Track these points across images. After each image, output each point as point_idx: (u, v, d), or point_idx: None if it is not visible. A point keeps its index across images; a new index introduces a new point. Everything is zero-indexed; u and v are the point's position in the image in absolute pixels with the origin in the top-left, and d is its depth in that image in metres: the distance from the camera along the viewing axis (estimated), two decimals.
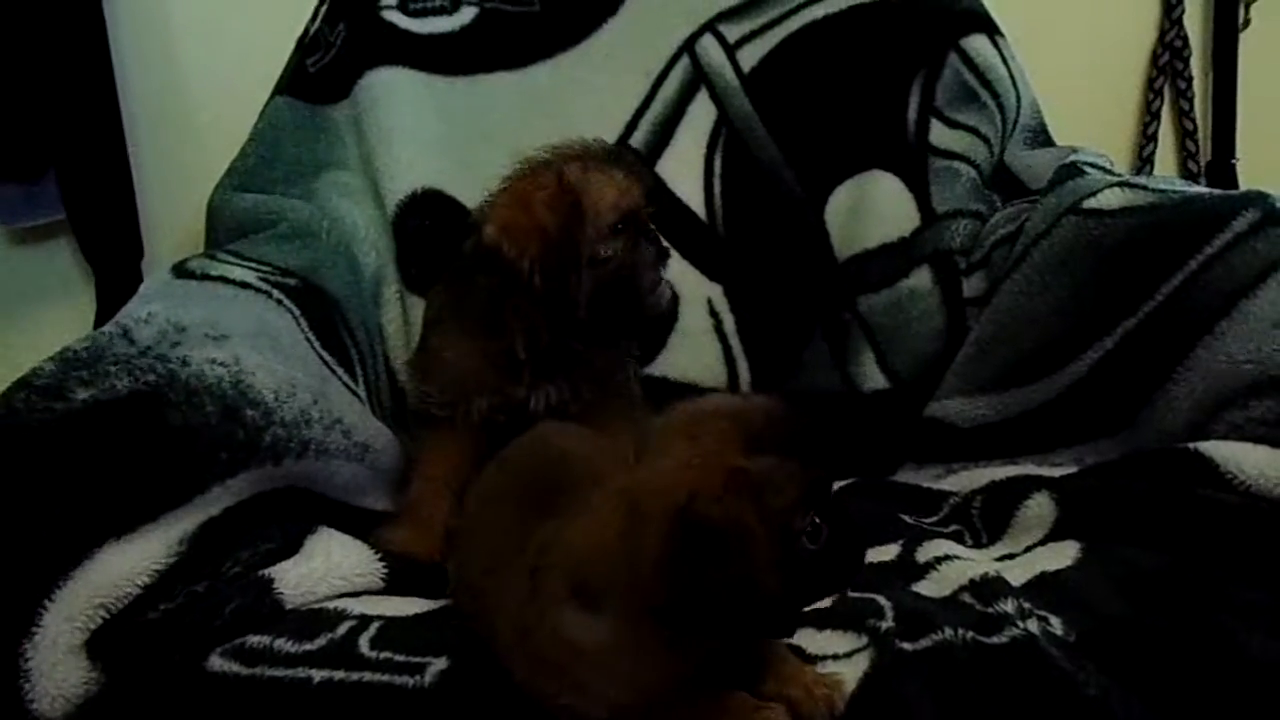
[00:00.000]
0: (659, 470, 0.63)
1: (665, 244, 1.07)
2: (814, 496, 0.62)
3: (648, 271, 1.05)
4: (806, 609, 0.68)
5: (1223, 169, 1.71)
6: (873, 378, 1.26)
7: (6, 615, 0.70)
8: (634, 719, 0.64)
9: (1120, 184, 1.08)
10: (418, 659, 0.71)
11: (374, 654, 0.72)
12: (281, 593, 0.79)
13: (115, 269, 1.41)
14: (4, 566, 0.71)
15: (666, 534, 0.59)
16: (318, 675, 0.69)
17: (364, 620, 0.77)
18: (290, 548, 0.83)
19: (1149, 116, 1.70)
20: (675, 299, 1.07)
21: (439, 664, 0.71)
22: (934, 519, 1.05)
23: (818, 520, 0.62)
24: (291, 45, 1.31)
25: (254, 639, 0.73)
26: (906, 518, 1.04)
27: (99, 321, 1.36)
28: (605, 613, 0.64)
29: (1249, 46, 1.70)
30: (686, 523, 0.59)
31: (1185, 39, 1.68)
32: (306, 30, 1.31)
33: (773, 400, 0.66)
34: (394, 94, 1.27)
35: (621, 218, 1.02)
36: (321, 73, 1.28)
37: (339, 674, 0.70)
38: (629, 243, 1.03)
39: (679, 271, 1.29)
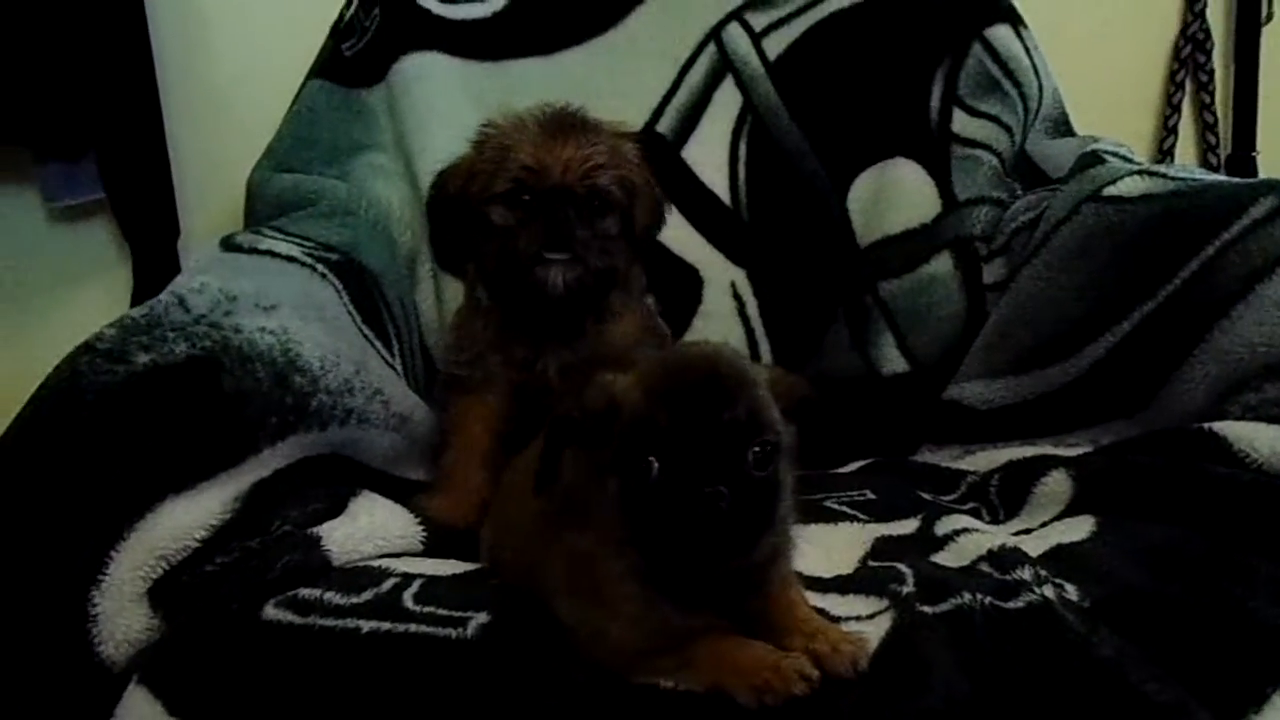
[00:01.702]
0: None
1: (576, 234, 1.02)
2: (652, 438, 0.64)
3: (528, 245, 1.02)
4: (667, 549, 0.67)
5: (1243, 162, 1.72)
6: (892, 361, 1.28)
7: (77, 563, 0.74)
8: (662, 661, 0.68)
9: (1140, 172, 1.10)
10: (460, 613, 0.75)
11: (418, 608, 0.76)
12: (329, 550, 0.82)
13: (152, 247, 1.44)
14: (73, 518, 0.74)
15: None
16: (366, 626, 0.73)
17: (407, 577, 0.80)
18: (335, 509, 0.87)
19: (1170, 109, 1.71)
20: (567, 287, 1.02)
21: (480, 618, 0.74)
22: (952, 496, 1.08)
23: (649, 460, 0.64)
24: (324, 29, 1.34)
25: (305, 591, 0.76)
26: (925, 495, 1.07)
27: (136, 299, 1.40)
28: (592, 524, 0.70)
29: (1271, 40, 1.71)
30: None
31: (1207, 31, 1.68)
32: (341, 15, 1.34)
33: (715, 351, 0.70)
34: (428, 78, 1.30)
35: (512, 187, 1.03)
36: (357, 57, 1.32)
37: (386, 625, 0.73)
38: (517, 216, 1.04)
39: (704, 255, 1.33)
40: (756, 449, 0.65)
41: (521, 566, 0.79)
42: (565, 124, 1.05)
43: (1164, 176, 1.08)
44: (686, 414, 0.64)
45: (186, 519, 0.76)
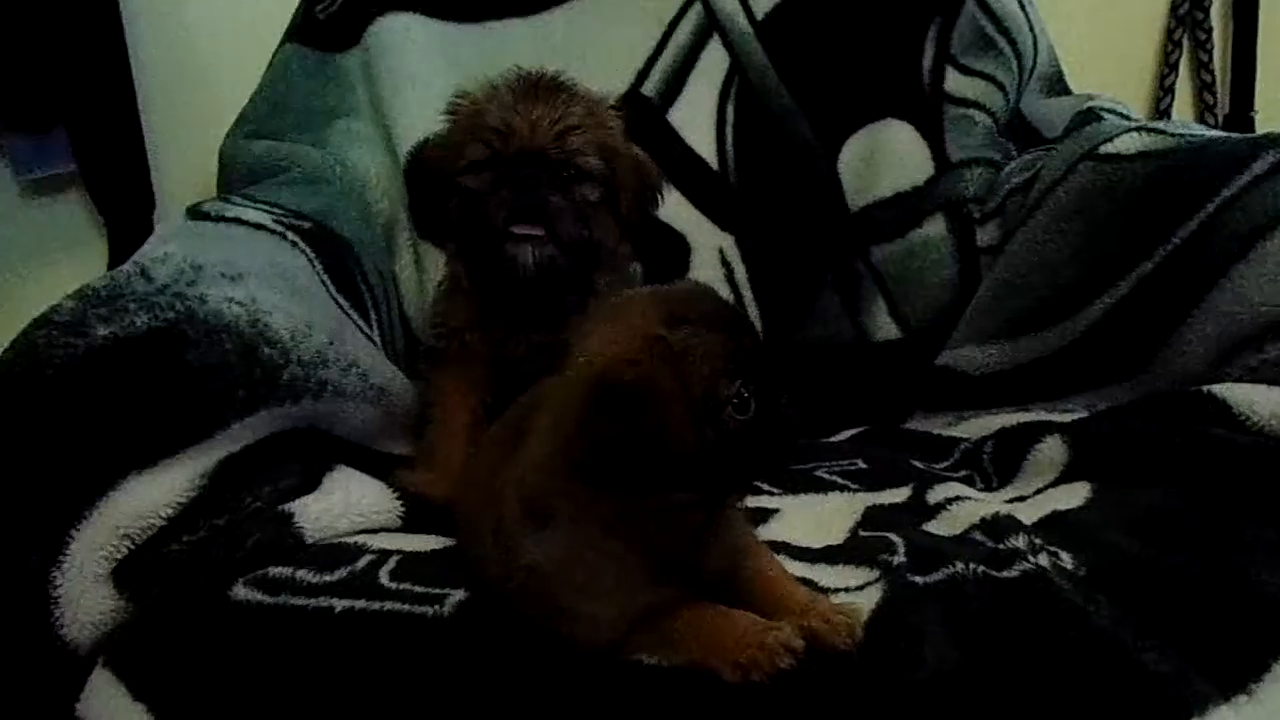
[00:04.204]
0: (583, 355, 0.65)
1: (547, 201, 0.98)
2: (740, 367, 0.63)
3: (497, 212, 0.97)
4: (746, 481, 0.69)
5: (1241, 122, 1.69)
6: (884, 327, 1.26)
7: (35, 544, 0.71)
8: (643, 639, 0.65)
9: (1138, 128, 1.07)
10: (437, 590, 0.72)
11: (394, 585, 0.73)
12: (301, 527, 0.80)
13: (127, 221, 1.41)
14: (31, 497, 0.72)
15: (585, 399, 0.62)
16: (340, 604, 0.71)
17: (383, 554, 0.78)
18: (309, 485, 0.84)
19: (1167, 68, 1.68)
20: (538, 266, 0.98)
21: (458, 595, 0.72)
22: (945, 464, 1.06)
23: (745, 392, 0.63)
24: None
25: (276, 570, 0.74)
26: (917, 463, 1.05)
27: None
28: (558, 523, 0.66)
29: None
30: (603, 384, 0.62)
31: None
32: None
33: (695, 283, 0.68)
34: (405, 41, 1.26)
35: (482, 154, 0.99)
36: (331, 20, 1.27)
37: (360, 603, 0.71)
38: (487, 181, 0.99)
39: (691, 221, 1.29)
40: None
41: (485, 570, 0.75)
42: (539, 87, 1.00)
43: (1162, 133, 1.06)
44: (753, 338, 0.66)
45: (151, 497, 0.74)
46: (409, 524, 0.89)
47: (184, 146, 1.43)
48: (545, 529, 0.67)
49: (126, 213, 1.40)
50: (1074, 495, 0.87)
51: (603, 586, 0.66)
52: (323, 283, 0.99)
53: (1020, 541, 0.76)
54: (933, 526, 0.86)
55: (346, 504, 0.84)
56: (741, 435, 0.63)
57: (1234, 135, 1.08)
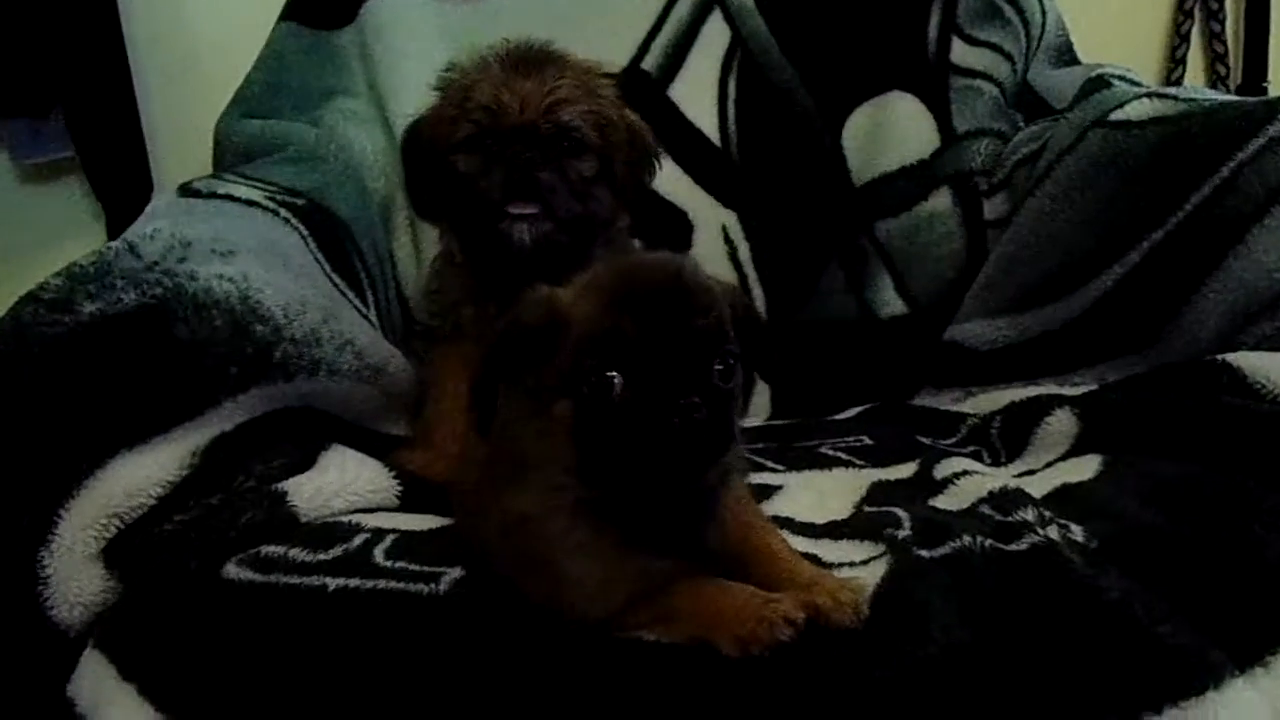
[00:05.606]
0: None
1: (540, 178, 0.96)
2: (614, 352, 0.60)
3: (491, 191, 0.96)
4: (619, 472, 0.62)
5: (1254, 93, 1.66)
6: (890, 303, 1.24)
7: (24, 523, 0.70)
8: (640, 614, 0.64)
9: (1149, 94, 1.05)
10: (432, 568, 0.71)
11: (389, 563, 0.72)
12: (295, 506, 0.79)
13: (125, 205, 1.40)
14: (18, 476, 0.71)
15: None
16: (333, 583, 0.69)
17: (378, 533, 0.77)
18: (304, 463, 0.83)
19: (1178, 39, 1.65)
20: (535, 244, 0.96)
21: (453, 573, 0.70)
22: (952, 440, 1.04)
23: (611, 374, 0.60)
24: None
25: (269, 549, 0.73)
26: (924, 439, 1.03)
27: None
28: (530, 477, 0.65)
29: None
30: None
31: None
32: None
33: (669, 262, 0.65)
34: (400, 18, 1.25)
35: (473, 131, 0.97)
36: None
37: (354, 582, 0.69)
38: (480, 161, 0.98)
39: (692, 198, 1.27)
40: (720, 360, 0.62)
41: (475, 535, 0.74)
42: (528, 59, 0.98)
43: (1174, 98, 1.03)
44: (655, 323, 0.60)
45: (140, 475, 0.73)
46: (406, 503, 0.88)
47: (182, 130, 1.42)
48: (522, 483, 0.66)
49: (125, 197, 1.39)
50: (1085, 468, 0.85)
51: (580, 539, 0.64)
52: (317, 260, 0.98)
53: (1029, 514, 0.74)
54: (940, 501, 0.84)
55: (341, 483, 0.83)
56: (598, 413, 0.60)
57: (1248, 99, 1.05)
